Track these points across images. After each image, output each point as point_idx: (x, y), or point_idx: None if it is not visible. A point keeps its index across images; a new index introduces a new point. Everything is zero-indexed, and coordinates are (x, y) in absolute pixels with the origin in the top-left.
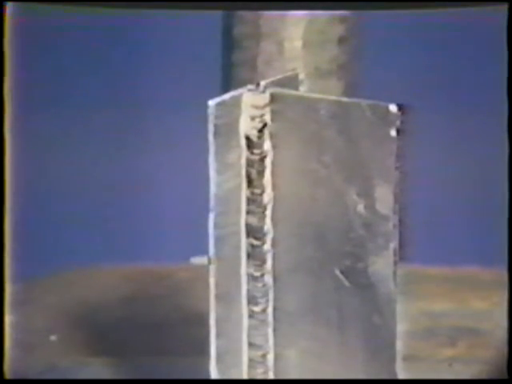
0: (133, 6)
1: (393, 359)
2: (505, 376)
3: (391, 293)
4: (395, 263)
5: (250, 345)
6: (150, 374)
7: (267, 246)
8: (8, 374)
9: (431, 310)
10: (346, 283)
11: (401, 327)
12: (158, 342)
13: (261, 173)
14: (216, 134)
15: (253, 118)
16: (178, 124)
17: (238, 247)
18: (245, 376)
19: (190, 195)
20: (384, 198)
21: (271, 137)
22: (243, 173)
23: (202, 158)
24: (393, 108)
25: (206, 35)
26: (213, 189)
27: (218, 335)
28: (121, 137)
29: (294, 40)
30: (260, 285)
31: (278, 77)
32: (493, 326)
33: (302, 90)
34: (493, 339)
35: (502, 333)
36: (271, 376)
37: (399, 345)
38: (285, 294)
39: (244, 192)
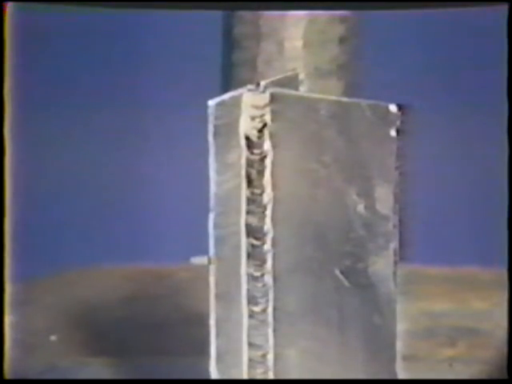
0: (133, 6)
1: (393, 359)
2: (505, 376)
3: (391, 293)
4: (395, 263)
5: (250, 345)
6: (150, 374)
7: (267, 246)
8: (8, 373)
9: (431, 310)
10: (346, 283)
11: (401, 327)
12: (158, 342)
13: (261, 173)
14: (216, 134)
15: (253, 118)
16: (178, 124)
17: (238, 247)
18: (245, 376)
19: (190, 195)
20: (384, 198)
21: (271, 137)
22: (243, 173)
23: (202, 158)
24: (393, 108)
25: (206, 35)
26: (213, 189)
27: (218, 335)
28: (121, 137)
29: (294, 40)
30: (260, 285)
31: (278, 77)
32: (493, 326)
33: (302, 90)
34: (493, 339)
35: (502, 333)
36: (271, 376)
37: (399, 345)
38: (285, 294)
39: (244, 192)
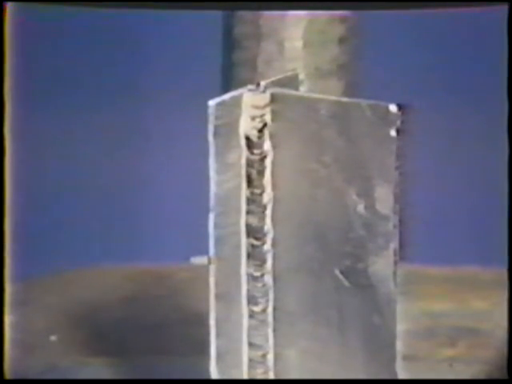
0: (133, 6)
1: (393, 359)
2: (505, 376)
3: (391, 293)
4: (395, 263)
5: (250, 345)
6: (150, 374)
7: (267, 246)
8: (8, 374)
9: (431, 310)
10: (346, 283)
11: (401, 327)
12: (158, 341)
13: (261, 173)
14: (216, 134)
15: (253, 118)
16: (178, 124)
17: (238, 247)
18: (245, 376)
19: (190, 195)
20: (384, 198)
21: (271, 137)
22: (243, 173)
23: (202, 158)
24: (393, 108)
25: (206, 35)
26: (213, 189)
27: (218, 335)
28: (121, 137)
29: (295, 40)
30: (260, 285)
31: (279, 77)
32: (493, 326)
33: (303, 90)
34: (493, 339)
35: (502, 333)
36: (271, 376)
37: (399, 345)
38: (285, 294)
39: (244, 192)
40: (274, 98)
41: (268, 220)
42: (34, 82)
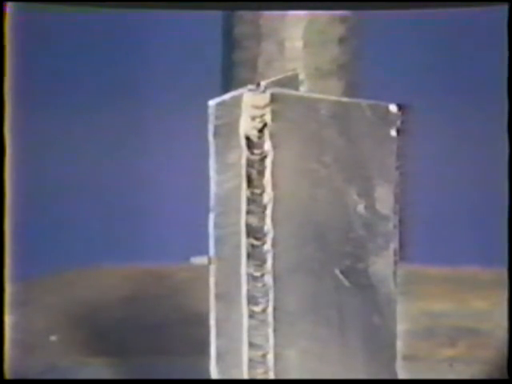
0: (133, 6)
1: (393, 359)
2: (505, 376)
3: (391, 293)
4: (395, 263)
5: (250, 345)
6: (150, 374)
7: (267, 246)
8: (8, 374)
9: (431, 310)
10: (346, 283)
11: (401, 327)
12: (158, 341)
13: (261, 173)
14: (216, 134)
15: (253, 118)
16: (178, 124)
17: (238, 247)
18: (245, 376)
19: (190, 195)
20: (384, 198)
21: (271, 137)
22: (243, 173)
23: (202, 158)
24: (393, 108)
25: (206, 35)
26: (213, 189)
27: (218, 335)
28: (121, 137)
29: (295, 40)
30: (260, 285)
31: (279, 77)
32: (493, 326)
33: (303, 90)
34: (493, 339)
35: (502, 333)
36: (271, 376)
37: (399, 345)
38: (285, 294)
39: (244, 192)
40: (274, 98)
41: (268, 220)
42: (34, 81)
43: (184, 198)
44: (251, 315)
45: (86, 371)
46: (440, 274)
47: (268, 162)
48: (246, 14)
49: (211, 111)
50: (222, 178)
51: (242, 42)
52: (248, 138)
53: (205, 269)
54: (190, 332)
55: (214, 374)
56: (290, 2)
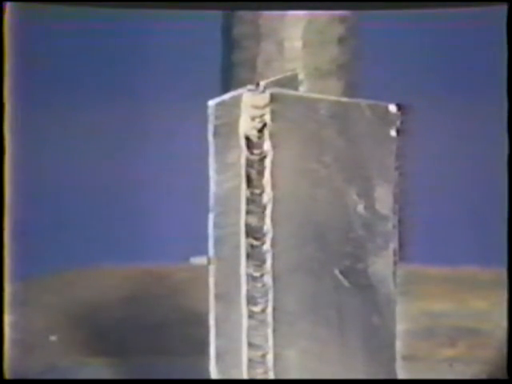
0: (133, 6)
1: (393, 359)
2: (505, 376)
3: (391, 293)
4: (395, 263)
5: (250, 345)
6: (150, 374)
7: (267, 246)
8: (8, 373)
9: (431, 310)
10: (346, 283)
11: (401, 327)
12: (158, 341)
13: (260, 173)
14: (216, 134)
15: (253, 118)
16: (178, 124)
17: (238, 247)
18: (244, 376)
19: (190, 195)
20: (384, 198)
21: (271, 137)
22: (243, 173)
23: (201, 158)
24: (393, 108)
25: (206, 35)
26: (213, 189)
27: (217, 335)
28: (121, 136)
29: (294, 40)
30: (259, 285)
31: (278, 77)
32: (493, 326)
33: (302, 90)
34: (493, 339)
35: (502, 333)
36: (271, 376)
37: (399, 345)
38: (284, 295)
39: (244, 192)
40: (273, 98)
41: (267, 220)
42: (34, 82)
43: (183, 198)
44: (251, 315)
45: (85, 371)
46: (440, 274)
47: (267, 162)
48: (245, 14)
49: (211, 111)
50: (222, 177)
51: (241, 42)
52: (247, 138)
53: (204, 269)
54: (190, 332)
55: (214, 374)
56: (290, 2)
